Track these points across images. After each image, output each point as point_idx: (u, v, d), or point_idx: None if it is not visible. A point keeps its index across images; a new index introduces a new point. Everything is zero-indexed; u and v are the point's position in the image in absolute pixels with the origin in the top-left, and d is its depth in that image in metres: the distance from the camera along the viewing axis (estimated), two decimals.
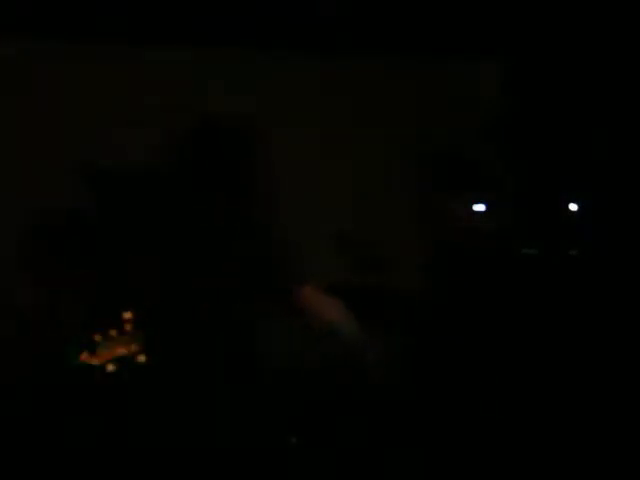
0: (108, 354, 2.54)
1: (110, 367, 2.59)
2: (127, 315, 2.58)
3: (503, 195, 5.04)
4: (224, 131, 2.67)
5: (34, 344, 2.52)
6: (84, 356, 2.54)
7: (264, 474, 2.84)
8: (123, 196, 3.00)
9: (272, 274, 2.52)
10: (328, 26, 4.63)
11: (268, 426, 2.82)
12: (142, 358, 2.64)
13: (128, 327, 2.57)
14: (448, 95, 5.11)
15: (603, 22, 4.48)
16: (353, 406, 2.64)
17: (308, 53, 4.84)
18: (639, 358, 3.78)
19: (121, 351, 2.55)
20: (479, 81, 5.20)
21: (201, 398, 2.63)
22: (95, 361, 2.51)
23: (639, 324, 3.84)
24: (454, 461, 3.31)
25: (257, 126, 2.76)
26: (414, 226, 4.92)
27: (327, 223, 4.87)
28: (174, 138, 2.57)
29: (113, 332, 2.53)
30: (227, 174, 2.65)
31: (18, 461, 3.11)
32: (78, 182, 3.80)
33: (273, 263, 2.58)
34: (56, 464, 2.77)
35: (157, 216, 2.60)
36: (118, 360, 2.60)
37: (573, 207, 4.72)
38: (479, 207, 5.01)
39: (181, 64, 4.77)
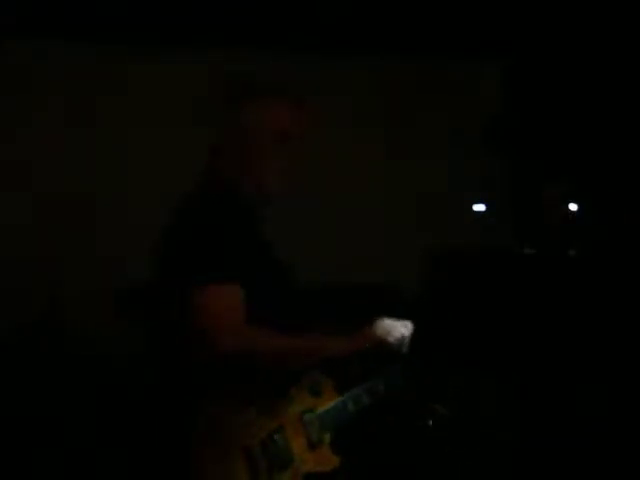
0: None
1: None
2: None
3: (503, 195, 5.05)
4: None
5: None
6: None
7: None
8: None
9: None
10: (328, 26, 4.64)
11: None
12: None
13: None
14: (448, 95, 5.12)
15: (602, 23, 4.48)
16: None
17: (308, 53, 4.85)
18: (637, 356, 3.78)
19: None
20: (479, 81, 5.21)
21: None
22: None
23: (637, 323, 3.84)
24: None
25: None
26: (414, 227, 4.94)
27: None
28: None
29: None
30: None
31: None
32: None
33: None
34: None
35: None
36: None
37: (573, 207, 4.72)
38: (479, 207, 5.02)
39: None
